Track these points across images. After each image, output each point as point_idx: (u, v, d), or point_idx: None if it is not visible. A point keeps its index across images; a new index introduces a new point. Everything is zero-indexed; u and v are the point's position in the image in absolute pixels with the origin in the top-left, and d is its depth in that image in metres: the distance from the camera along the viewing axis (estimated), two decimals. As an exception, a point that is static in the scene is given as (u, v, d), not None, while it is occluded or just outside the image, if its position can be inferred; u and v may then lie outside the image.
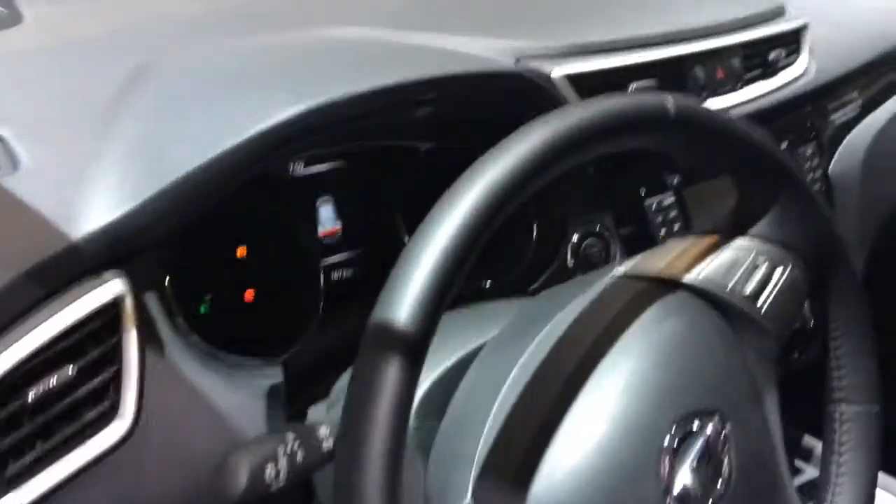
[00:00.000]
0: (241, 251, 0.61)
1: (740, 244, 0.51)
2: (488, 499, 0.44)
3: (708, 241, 0.51)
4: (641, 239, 0.74)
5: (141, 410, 0.45)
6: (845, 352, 0.55)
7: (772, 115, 0.85)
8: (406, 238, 0.72)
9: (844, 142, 0.94)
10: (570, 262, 0.71)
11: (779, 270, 0.51)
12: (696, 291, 0.49)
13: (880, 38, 1.02)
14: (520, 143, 0.39)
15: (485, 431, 0.45)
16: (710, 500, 0.45)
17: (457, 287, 0.36)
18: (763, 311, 0.50)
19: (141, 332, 0.46)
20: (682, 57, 0.77)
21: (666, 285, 0.49)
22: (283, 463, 0.44)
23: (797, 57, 0.88)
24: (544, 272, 0.71)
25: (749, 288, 0.50)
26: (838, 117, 0.95)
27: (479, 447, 0.45)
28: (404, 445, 0.35)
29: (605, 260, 0.72)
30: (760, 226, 0.51)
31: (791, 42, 0.88)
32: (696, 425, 0.45)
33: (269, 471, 0.43)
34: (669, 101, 0.44)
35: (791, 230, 0.51)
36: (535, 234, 0.72)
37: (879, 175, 0.97)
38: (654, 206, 0.75)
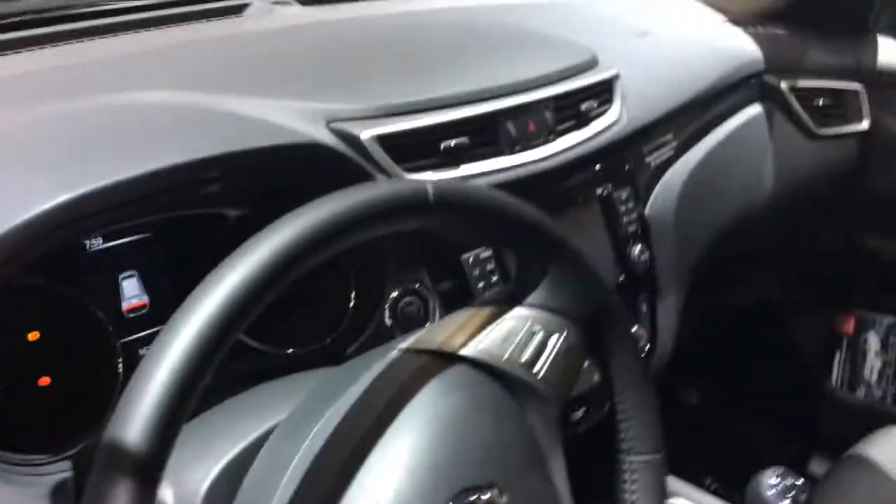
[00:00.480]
0: (31, 335, 0.58)
1: (517, 314, 0.53)
2: None
3: (487, 312, 0.53)
4: (460, 294, 0.76)
5: None
6: (628, 406, 0.58)
7: (587, 163, 0.90)
8: None
9: (660, 182, 1.00)
10: (388, 321, 0.72)
11: (554, 337, 0.53)
12: (474, 363, 0.50)
13: (691, 81, 1.09)
14: (263, 243, 0.39)
15: None
16: None
17: (197, 394, 0.36)
18: (541, 377, 0.52)
19: None
20: (493, 113, 0.79)
21: (445, 359, 0.50)
22: None
23: (609, 106, 0.93)
24: (363, 334, 0.71)
25: (525, 356, 0.52)
26: (654, 159, 1.00)
27: None
28: None
29: (425, 317, 0.74)
30: (536, 295, 0.53)
31: (603, 92, 0.93)
32: (472, 499, 0.46)
33: None
34: (429, 186, 0.45)
35: (565, 298, 0.53)
36: (352, 299, 0.72)
37: (693, 212, 1.03)
38: (472, 259, 0.77)
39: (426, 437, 0.47)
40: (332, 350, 0.70)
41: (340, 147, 0.69)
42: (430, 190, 0.45)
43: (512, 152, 0.81)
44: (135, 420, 0.34)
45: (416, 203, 0.44)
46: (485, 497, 0.46)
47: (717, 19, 1.28)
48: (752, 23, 1.27)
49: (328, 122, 0.70)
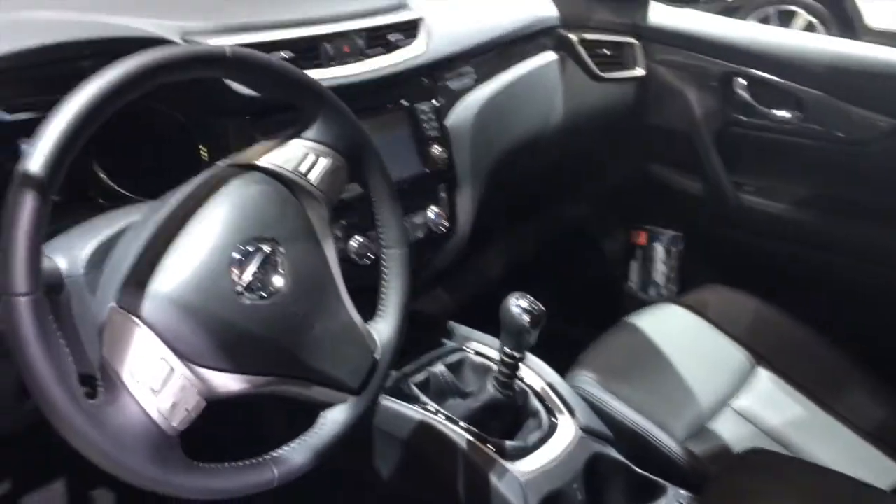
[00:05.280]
0: None
1: (297, 142, 0.80)
2: (127, 297, 0.69)
3: (277, 140, 0.80)
4: None
5: None
6: (381, 215, 0.86)
7: (394, 82, 1.17)
8: (105, 179, 0.95)
9: (460, 102, 1.29)
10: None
11: (323, 159, 0.80)
12: (265, 170, 0.77)
13: (492, 29, 1.38)
14: (114, 70, 0.64)
15: (128, 265, 0.70)
16: (273, 287, 0.72)
17: (80, 144, 0.61)
18: (315, 183, 0.79)
19: None
20: (314, 36, 1.06)
21: (245, 168, 0.77)
22: None
23: (414, 40, 1.21)
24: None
25: (303, 168, 0.79)
26: (455, 85, 1.29)
27: (125, 274, 0.70)
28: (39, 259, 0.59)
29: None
30: (310, 132, 0.81)
31: (410, 29, 1.21)
32: (256, 246, 0.72)
33: None
34: (227, 48, 0.72)
35: (330, 134, 0.81)
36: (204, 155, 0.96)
37: (488, 127, 1.33)
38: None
39: (226, 209, 0.73)
40: None
41: None
42: (229, 50, 0.71)
43: (329, 66, 1.08)
44: (38, 153, 0.59)
45: (218, 57, 0.71)
46: (265, 245, 0.73)
47: (524, -16, 1.57)
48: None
49: (182, 36, 0.95)
